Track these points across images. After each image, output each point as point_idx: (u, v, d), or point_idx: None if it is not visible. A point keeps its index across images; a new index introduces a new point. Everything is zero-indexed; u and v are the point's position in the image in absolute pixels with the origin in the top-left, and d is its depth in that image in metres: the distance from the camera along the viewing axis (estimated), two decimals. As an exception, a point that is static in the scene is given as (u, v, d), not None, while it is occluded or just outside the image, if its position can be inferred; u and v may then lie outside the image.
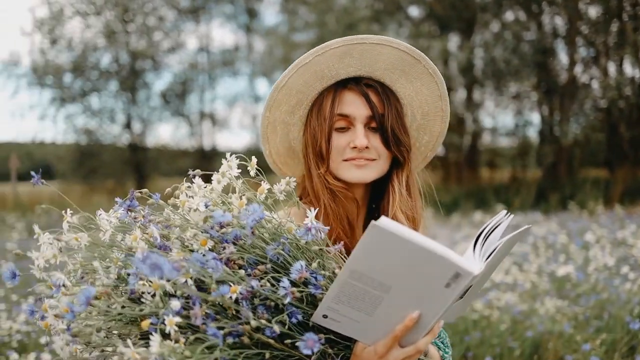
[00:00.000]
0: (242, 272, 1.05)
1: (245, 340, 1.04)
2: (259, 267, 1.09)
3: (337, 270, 1.15)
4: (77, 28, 18.69)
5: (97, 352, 1.15)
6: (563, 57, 14.99)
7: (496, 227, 1.18)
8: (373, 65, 1.44)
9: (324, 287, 1.10)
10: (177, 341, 0.96)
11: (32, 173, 1.13)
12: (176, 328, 0.96)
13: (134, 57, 19.04)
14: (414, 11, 17.31)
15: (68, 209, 1.16)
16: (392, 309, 1.06)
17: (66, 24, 18.44)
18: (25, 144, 21.62)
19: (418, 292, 1.04)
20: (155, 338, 0.93)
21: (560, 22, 14.88)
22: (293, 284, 1.08)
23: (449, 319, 1.30)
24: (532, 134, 17.69)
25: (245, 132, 35.65)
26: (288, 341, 1.07)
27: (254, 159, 1.22)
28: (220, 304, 1.04)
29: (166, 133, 34.52)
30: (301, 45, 16.87)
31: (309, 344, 1.04)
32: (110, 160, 19.51)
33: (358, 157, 1.44)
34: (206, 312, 1.03)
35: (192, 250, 1.11)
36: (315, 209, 1.13)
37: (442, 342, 1.57)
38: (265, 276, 1.08)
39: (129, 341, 0.98)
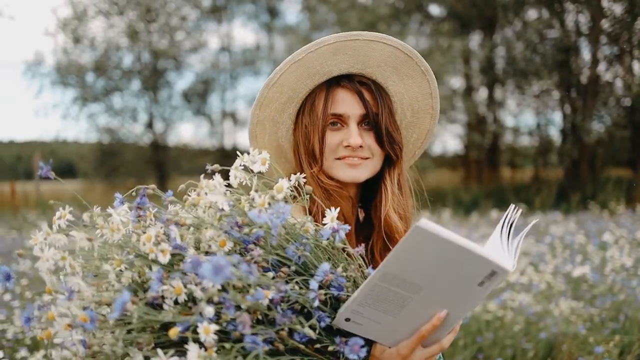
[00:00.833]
0: (270, 274, 1.01)
1: (280, 346, 1.00)
2: (282, 269, 1.05)
3: (356, 272, 1.12)
4: (100, 28, 18.86)
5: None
6: (586, 55, 14.78)
7: (511, 223, 1.17)
8: (366, 62, 1.43)
9: (348, 289, 1.07)
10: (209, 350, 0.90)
11: (41, 164, 1.05)
12: (214, 336, 0.90)
13: (156, 57, 19.19)
14: (435, 10, 17.24)
15: (66, 206, 1.09)
16: (419, 309, 1.05)
17: (89, 23, 18.71)
18: (49, 143, 21.91)
19: (449, 291, 1.02)
20: (194, 348, 0.89)
21: (583, 19, 14.70)
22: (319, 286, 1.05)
23: None
24: (554, 132, 17.52)
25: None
26: (317, 345, 1.04)
27: (266, 154, 1.18)
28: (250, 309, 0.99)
29: (187, 132, 34.79)
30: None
31: (354, 349, 1.01)
32: (132, 159, 19.70)
33: (352, 156, 1.42)
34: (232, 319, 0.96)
35: (207, 252, 1.06)
36: (336, 209, 1.11)
37: None
38: (291, 279, 1.04)
39: (159, 351, 0.93)
